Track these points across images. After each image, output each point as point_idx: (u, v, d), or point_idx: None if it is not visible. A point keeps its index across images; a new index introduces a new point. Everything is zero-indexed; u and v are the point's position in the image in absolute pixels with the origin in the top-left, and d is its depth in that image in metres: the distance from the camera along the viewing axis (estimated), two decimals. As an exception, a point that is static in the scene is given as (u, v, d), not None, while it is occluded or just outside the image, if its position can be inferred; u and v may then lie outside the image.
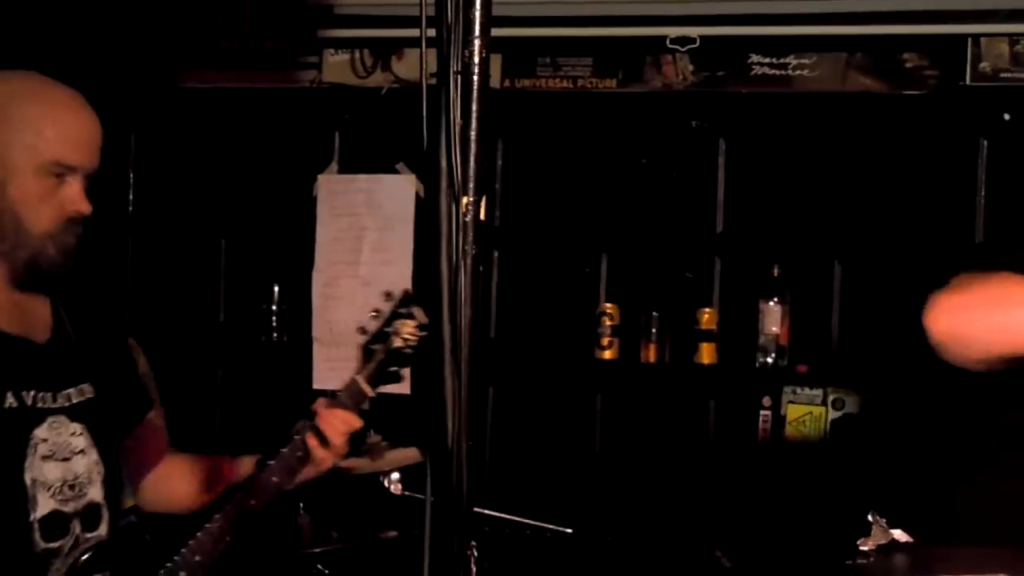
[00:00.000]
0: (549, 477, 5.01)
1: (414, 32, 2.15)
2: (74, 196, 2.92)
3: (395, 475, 4.50)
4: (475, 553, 2.11)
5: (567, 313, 5.08)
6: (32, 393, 2.91)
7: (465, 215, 2.10)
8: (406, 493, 4.22)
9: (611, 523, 4.77)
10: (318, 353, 5.27)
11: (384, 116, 5.02)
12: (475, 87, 2.12)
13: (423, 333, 3.21)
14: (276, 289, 5.32)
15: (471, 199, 2.11)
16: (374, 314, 3.31)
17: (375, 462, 4.56)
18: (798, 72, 4.87)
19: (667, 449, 4.90)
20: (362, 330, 3.32)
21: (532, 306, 5.15)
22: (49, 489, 2.90)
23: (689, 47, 4.87)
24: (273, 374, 5.36)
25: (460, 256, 2.09)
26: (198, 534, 3.13)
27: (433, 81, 2.14)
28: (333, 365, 5.17)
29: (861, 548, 2.47)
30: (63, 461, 2.94)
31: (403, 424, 4.08)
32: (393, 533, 4.38)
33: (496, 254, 5.18)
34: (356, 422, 3.27)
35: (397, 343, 3.27)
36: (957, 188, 4.60)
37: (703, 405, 4.90)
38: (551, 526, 4.04)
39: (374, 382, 3.32)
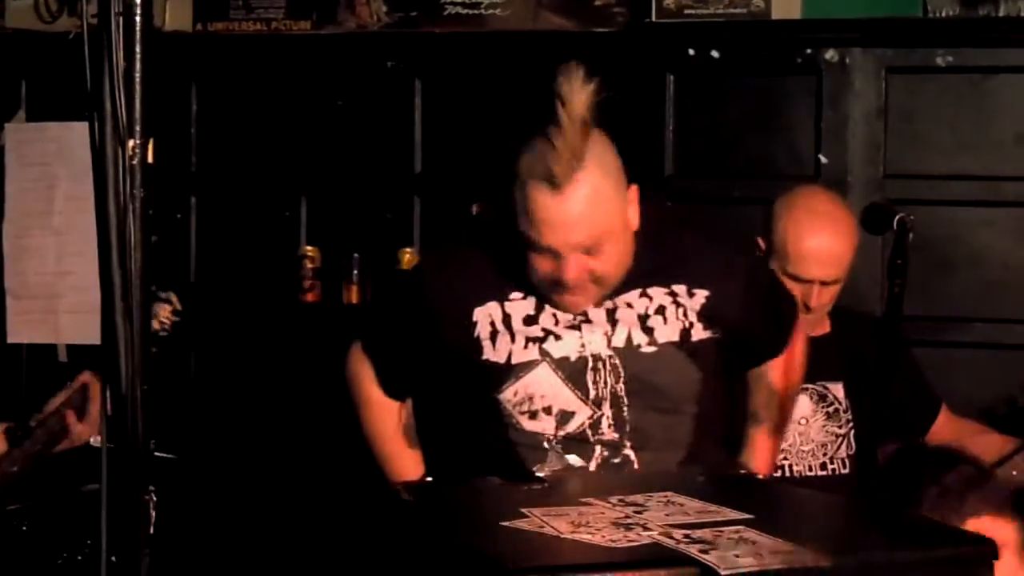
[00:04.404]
0: (257, 422, 4.99)
1: (87, -26, 2.12)
2: None
3: (96, 427, 4.43)
4: (154, 498, 2.10)
5: (268, 257, 5.04)
6: None
7: (132, 159, 2.06)
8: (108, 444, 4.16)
9: (316, 459, 4.79)
10: (12, 307, 5.13)
11: (72, 62, 4.88)
12: (138, 28, 2.08)
13: (177, 318, 3.29)
14: (-35, 244, 5.17)
15: (138, 142, 2.07)
16: None
17: (74, 415, 4.48)
18: (490, 11, 4.91)
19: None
20: None
21: (232, 251, 5.10)
22: None
23: (382, -13, 4.88)
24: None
25: (128, 200, 2.05)
26: None
27: (95, 22, 2.10)
28: (28, 318, 5.06)
29: (537, 474, 2.54)
30: None
31: (100, 376, 4.01)
32: (95, 485, 4.31)
33: (193, 200, 5.11)
34: None
35: (154, 326, 3.28)
36: (646, 122, 4.70)
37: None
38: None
39: None
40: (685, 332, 2.94)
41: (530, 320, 2.95)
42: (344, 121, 5.00)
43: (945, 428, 3.87)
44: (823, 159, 4.52)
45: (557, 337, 2.92)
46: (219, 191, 5.12)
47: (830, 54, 4.52)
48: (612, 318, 2.93)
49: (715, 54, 4.63)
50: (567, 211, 2.79)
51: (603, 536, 2.01)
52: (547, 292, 2.92)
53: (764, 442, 3.23)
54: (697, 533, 2.01)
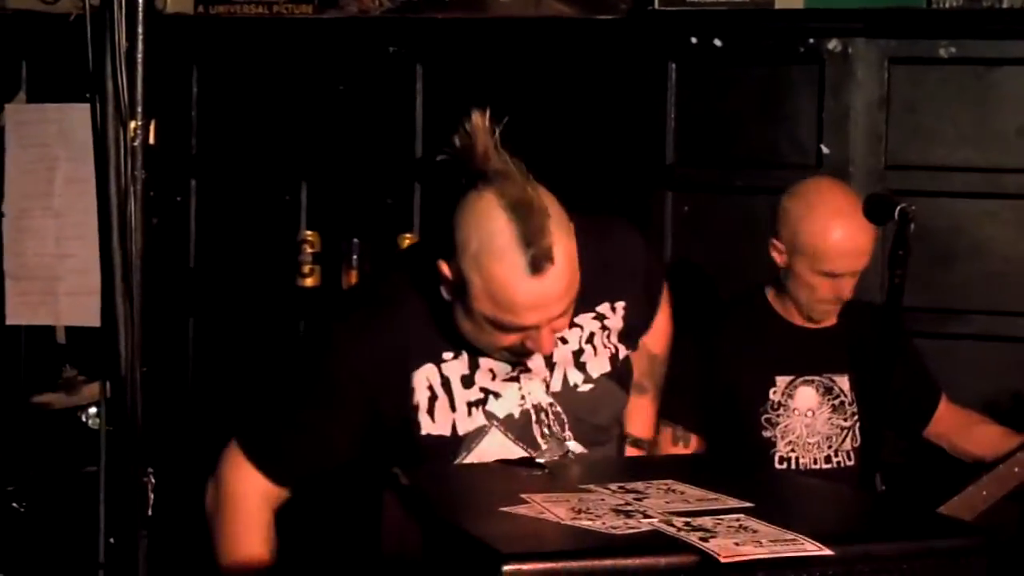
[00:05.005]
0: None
1: (91, -45, 2.12)
2: None
3: (93, 409, 4.44)
4: (152, 480, 2.09)
5: (268, 241, 5.04)
6: None
7: (133, 140, 2.06)
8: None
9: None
10: (11, 288, 5.12)
11: (73, 43, 4.86)
12: (140, 10, 2.08)
13: None
14: (-35, 224, 5.16)
15: (139, 123, 2.06)
16: None
17: (71, 397, 4.49)
18: (492, -4, 4.91)
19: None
20: None
21: (232, 235, 5.09)
22: None
23: (384, -28, 4.87)
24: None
25: (129, 181, 2.05)
26: None
27: (97, 3, 2.10)
28: (26, 300, 5.05)
29: (538, 460, 2.53)
30: None
31: (98, 358, 4.02)
32: (93, 467, 4.33)
33: (193, 183, 5.11)
34: None
35: None
36: (648, 110, 4.69)
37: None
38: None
39: None
40: (614, 359, 2.80)
41: (467, 381, 2.68)
42: (345, 106, 4.99)
43: (945, 418, 3.87)
44: (825, 149, 4.51)
45: (496, 395, 2.68)
46: (219, 174, 5.11)
47: (833, 44, 4.51)
48: (550, 361, 2.71)
49: (718, 43, 4.62)
50: (550, 289, 2.46)
51: (603, 523, 2.01)
52: (499, 357, 2.66)
53: (649, 409, 3.16)
54: (697, 521, 2.01)
